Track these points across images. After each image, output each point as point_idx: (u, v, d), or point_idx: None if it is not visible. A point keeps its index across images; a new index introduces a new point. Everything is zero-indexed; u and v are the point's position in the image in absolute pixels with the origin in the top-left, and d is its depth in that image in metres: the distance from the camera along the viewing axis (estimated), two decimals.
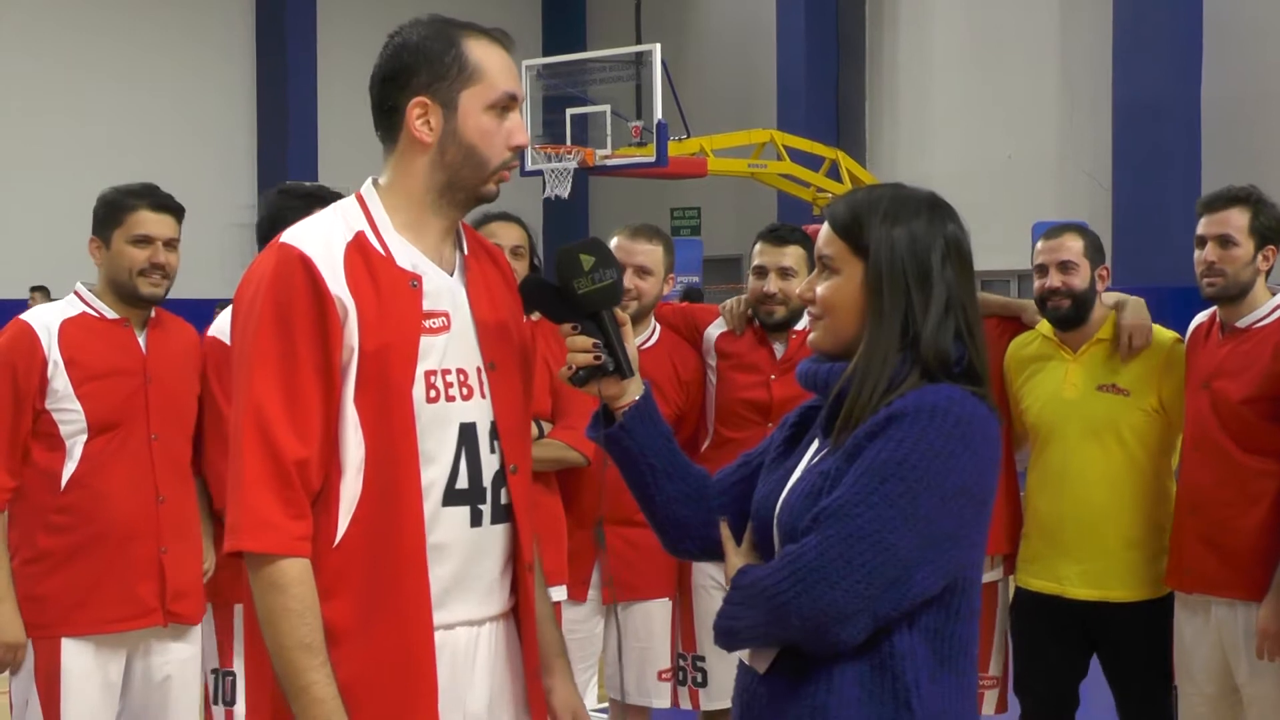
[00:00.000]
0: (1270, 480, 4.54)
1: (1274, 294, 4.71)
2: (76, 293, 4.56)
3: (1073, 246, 4.86)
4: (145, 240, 4.50)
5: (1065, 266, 4.84)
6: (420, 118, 2.82)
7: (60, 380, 4.37)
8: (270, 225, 4.39)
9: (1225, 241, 4.66)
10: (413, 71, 2.81)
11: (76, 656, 4.38)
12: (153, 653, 4.52)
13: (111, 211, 4.53)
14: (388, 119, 2.86)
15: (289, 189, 4.72)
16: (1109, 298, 4.97)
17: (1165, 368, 4.80)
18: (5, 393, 4.37)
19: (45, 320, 4.45)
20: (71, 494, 4.38)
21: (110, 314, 4.51)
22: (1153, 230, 15.85)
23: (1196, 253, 4.74)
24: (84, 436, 4.39)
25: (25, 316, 4.49)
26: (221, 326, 4.67)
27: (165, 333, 4.62)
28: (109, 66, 21.58)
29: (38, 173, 20.53)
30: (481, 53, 2.84)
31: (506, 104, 2.85)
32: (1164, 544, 4.80)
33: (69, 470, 4.38)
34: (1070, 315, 4.85)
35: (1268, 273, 4.73)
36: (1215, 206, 4.73)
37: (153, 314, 4.60)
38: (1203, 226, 4.74)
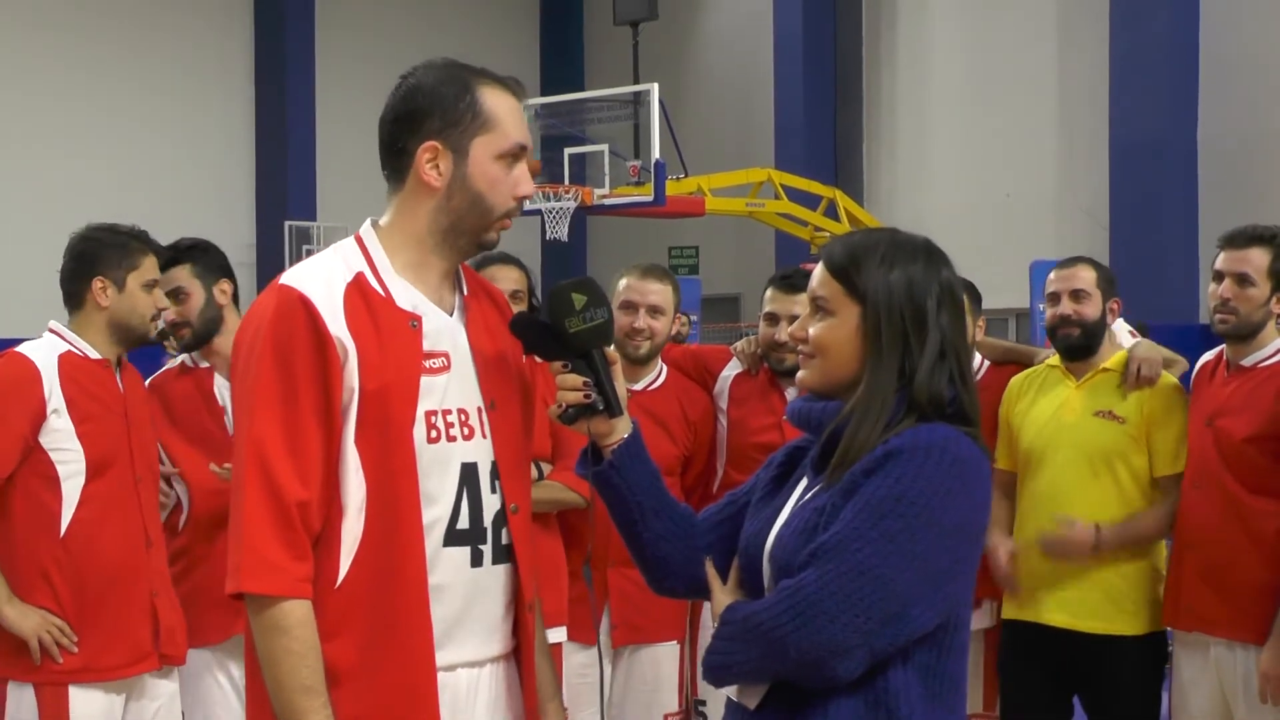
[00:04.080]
0: (1273, 519, 4.53)
1: None
2: (57, 332, 4.45)
3: (1085, 276, 4.89)
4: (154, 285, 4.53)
5: (1078, 295, 4.86)
6: (430, 162, 2.82)
7: (62, 420, 4.30)
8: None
9: (1243, 280, 4.63)
10: (425, 115, 2.81)
11: (84, 704, 4.33)
12: (145, 694, 4.50)
13: (124, 254, 4.47)
14: (396, 160, 2.86)
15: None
16: (1121, 327, 4.98)
17: (1156, 404, 4.79)
18: (2, 422, 4.27)
19: (44, 358, 4.35)
20: (72, 541, 4.31)
21: (94, 354, 4.43)
22: (1150, 269, 15.88)
23: (1212, 286, 4.72)
24: (81, 479, 4.32)
25: (26, 352, 4.38)
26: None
27: (132, 375, 4.58)
28: (107, 105, 21.62)
29: (32, 211, 20.55)
30: (495, 101, 2.84)
31: (516, 154, 2.86)
32: (1150, 582, 4.80)
33: (67, 515, 4.31)
34: (1080, 344, 4.87)
35: (1279, 316, 4.71)
36: (1237, 243, 4.70)
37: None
38: (1221, 262, 4.71)
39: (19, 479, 4.30)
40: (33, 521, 4.31)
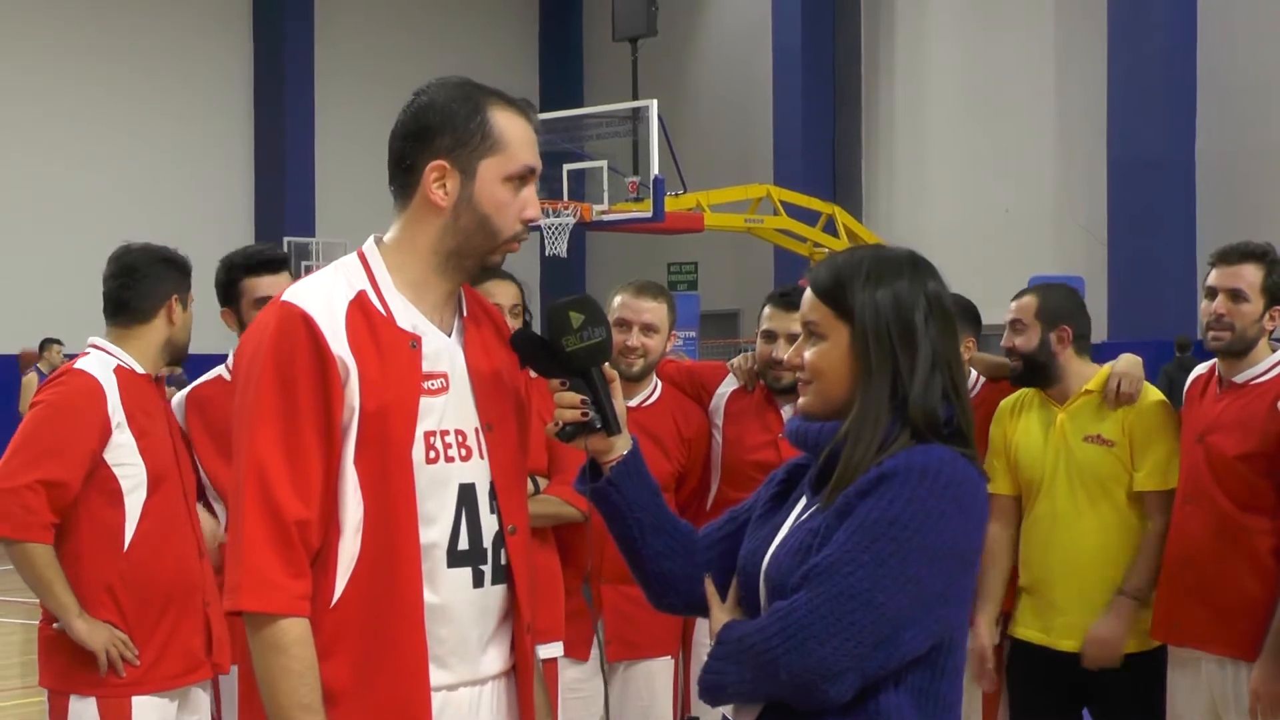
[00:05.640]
0: (1264, 537, 4.53)
1: (1275, 350, 4.70)
2: (103, 347, 4.48)
3: (1025, 306, 4.87)
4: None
5: (1015, 325, 4.86)
6: (437, 181, 2.81)
7: (125, 435, 4.34)
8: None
9: (1236, 296, 4.62)
10: (436, 133, 2.80)
11: (145, 714, 4.38)
12: (190, 703, 4.55)
13: (187, 276, 4.53)
14: (404, 176, 2.85)
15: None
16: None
17: (1141, 422, 4.78)
18: (73, 437, 4.30)
19: (103, 374, 4.38)
20: (135, 555, 4.35)
21: (139, 369, 4.47)
22: (1148, 284, 15.92)
23: (1205, 303, 4.71)
24: (143, 493, 4.36)
25: (86, 369, 4.39)
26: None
27: (162, 391, 4.63)
28: (106, 122, 21.67)
29: (35, 226, 20.58)
30: (506, 122, 2.84)
31: (524, 176, 2.86)
32: (1152, 597, 4.79)
33: (130, 530, 4.35)
34: (1021, 375, 4.87)
35: (1271, 332, 4.71)
36: (1230, 259, 4.69)
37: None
38: (1214, 278, 4.70)
39: (82, 497, 4.33)
40: (97, 538, 4.35)
